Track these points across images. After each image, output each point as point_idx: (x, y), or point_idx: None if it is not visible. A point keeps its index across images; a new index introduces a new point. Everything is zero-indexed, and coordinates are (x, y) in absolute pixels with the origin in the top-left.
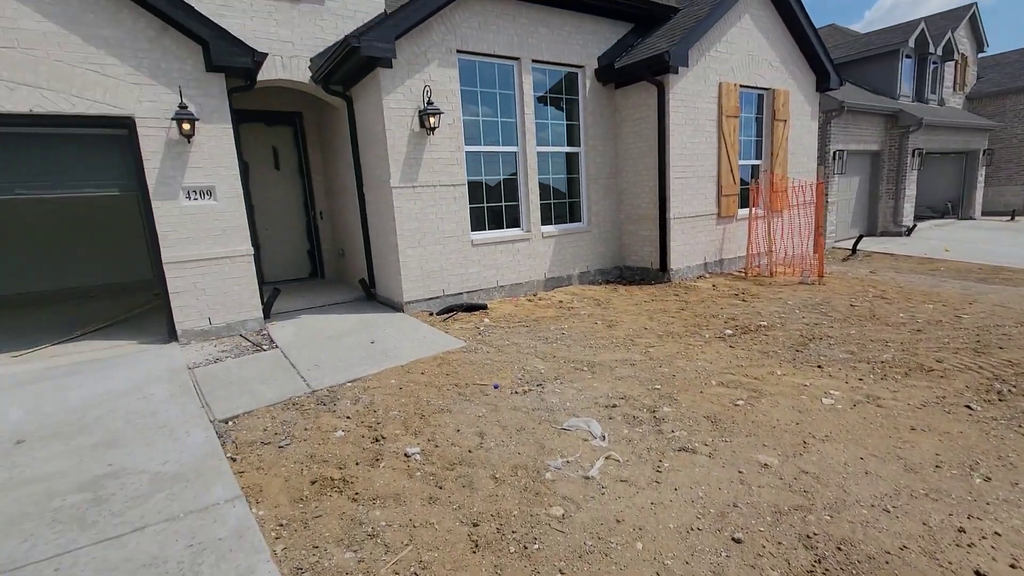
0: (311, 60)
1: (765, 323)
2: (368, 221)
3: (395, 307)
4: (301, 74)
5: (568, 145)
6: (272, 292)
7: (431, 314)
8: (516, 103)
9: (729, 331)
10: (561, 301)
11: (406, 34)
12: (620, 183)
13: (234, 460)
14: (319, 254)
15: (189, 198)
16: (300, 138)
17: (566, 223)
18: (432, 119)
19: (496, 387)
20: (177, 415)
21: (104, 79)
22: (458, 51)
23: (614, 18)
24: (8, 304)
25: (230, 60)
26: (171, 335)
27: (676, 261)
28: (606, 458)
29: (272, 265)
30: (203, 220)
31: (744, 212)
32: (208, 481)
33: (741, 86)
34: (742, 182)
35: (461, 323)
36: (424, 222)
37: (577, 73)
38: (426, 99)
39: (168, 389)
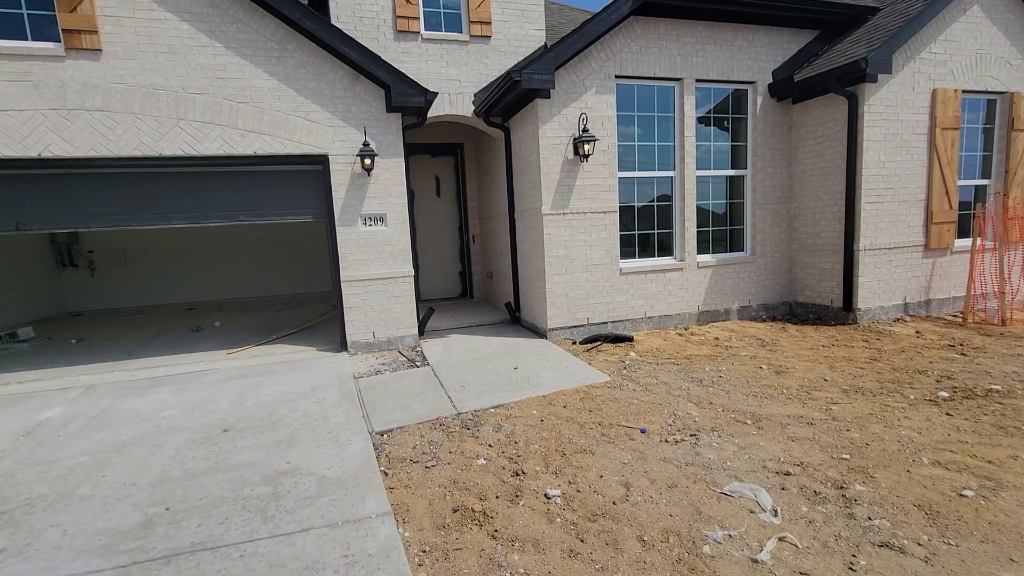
0: (475, 95)
1: (998, 387)
2: (517, 246)
3: (538, 333)
4: (465, 108)
5: (732, 168)
6: (427, 311)
7: (574, 343)
8: (675, 125)
9: (944, 393)
10: (717, 338)
11: (565, 64)
12: (793, 208)
13: (386, 474)
14: (469, 276)
15: (365, 224)
16: (460, 167)
17: (725, 252)
18: (586, 146)
19: (643, 432)
20: (342, 422)
21: (308, 124)
22: (616, 76)
23: (795, 27)
24: (226, 307)
25: (407, 100)
26: (343, 345)
27: (865, 299)
28: (779, 539)
29: (427, 284)
30: (375, 244)
31: (964, 243)
32: (363, 492)
33: (964, 92)
34: (962, 207)
35: (605, 355)
36: (572, 249)
37: (746, 90)
38: (581, 127)
39: (337, 395)
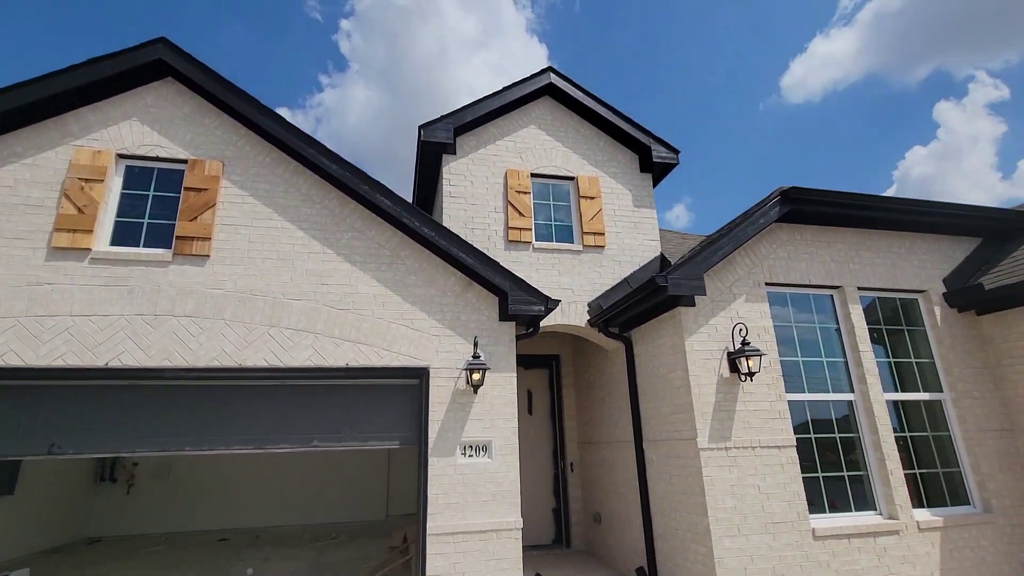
0: (588, 304)
1: None
2: (649, 486)
3: None
4: (578, 318)
5: (924, 390)
6: None
7: None
8: (843, 338)
9: None
10: None
11: (709, 271)
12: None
13: None
14: (566, 515)
15: (464, 454)
16: (556, 381)
17: (947, 505)
18: (749, 362)
19: None
20: None
21: (411, 332)
22: (767, 283)
23: (954, 234)
24: (263, 538)
25: (525, 309)
26: None
27: None
28: None
29: None
30: (474, 481)
31: None
32: None
33: None
34: None
35: None
36: (744, 499)
37: (916, 299)
38: (739, 339)
39: None
